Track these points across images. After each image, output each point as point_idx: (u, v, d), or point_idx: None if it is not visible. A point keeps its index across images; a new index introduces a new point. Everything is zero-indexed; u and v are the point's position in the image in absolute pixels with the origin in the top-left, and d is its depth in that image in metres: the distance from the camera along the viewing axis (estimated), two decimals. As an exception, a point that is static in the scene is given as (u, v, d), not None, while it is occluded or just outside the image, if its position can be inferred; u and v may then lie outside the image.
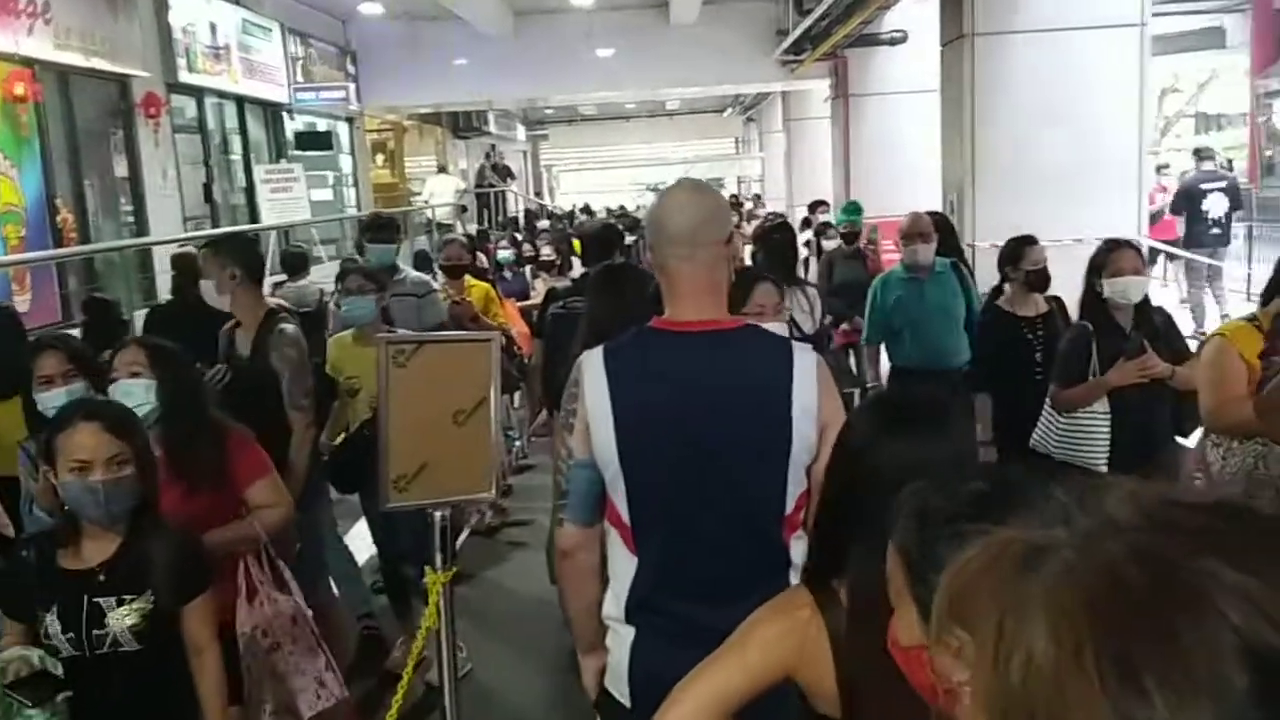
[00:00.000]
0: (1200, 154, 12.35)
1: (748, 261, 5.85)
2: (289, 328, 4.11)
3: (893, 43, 15.01)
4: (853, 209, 8.53)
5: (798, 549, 2.06)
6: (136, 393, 2.92)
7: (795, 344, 2.18)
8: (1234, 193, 11.51)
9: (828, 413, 2.05)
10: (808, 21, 13.91)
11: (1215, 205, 11.37)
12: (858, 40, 14.78)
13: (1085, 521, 0.68)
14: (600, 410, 2.07)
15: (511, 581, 5.55)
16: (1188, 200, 11.43)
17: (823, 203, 11.71)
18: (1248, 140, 25.02)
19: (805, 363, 2.09)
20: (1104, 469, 3.94)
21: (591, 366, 2.12)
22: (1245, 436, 3.23)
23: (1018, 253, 4.75)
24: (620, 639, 2.17)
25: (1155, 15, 10.96)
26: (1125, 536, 0.64)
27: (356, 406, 4.41)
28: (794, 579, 1.98)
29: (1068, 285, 6.68)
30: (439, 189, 18.33)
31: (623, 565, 2.15)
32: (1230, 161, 30.06)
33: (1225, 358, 3.28)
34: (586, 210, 23.20)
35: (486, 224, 19.77)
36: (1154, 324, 4.07)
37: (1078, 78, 9.66)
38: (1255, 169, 23.44)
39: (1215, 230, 11.29)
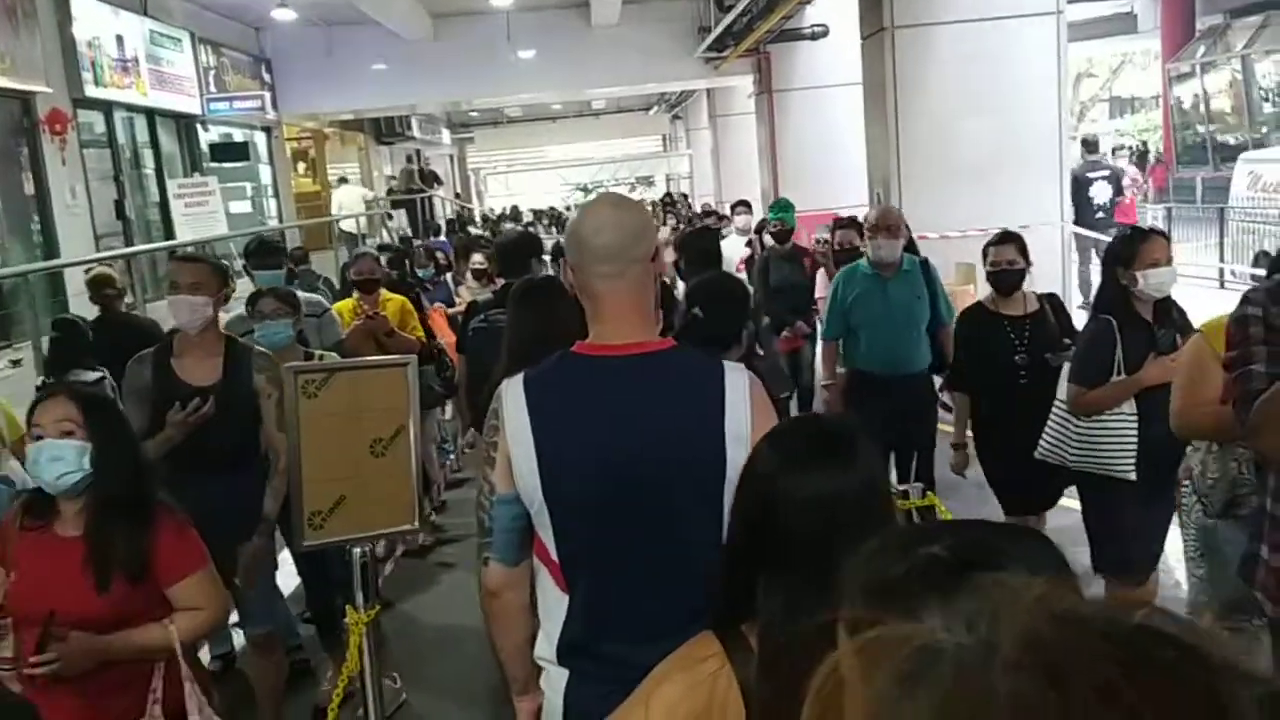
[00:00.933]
0: (1086, 145, 12.75)
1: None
2: (263, 349, 3.86)
3: (814, 37, 15.04)
4: (782, 206, 7.99)
5: None
6: (68, 456, 2.48)
7: (727, 365, 2.05)
8: (1116, 181, 12.23)
9: (761, 435, 1.95)
10: (729, 18, 13.88)
11: (1100, 193, 12.02)
12: (779, 35, 14.80)
13: (972, 634, 0.56)
14: (522, 444, 1.94)
15: (444, 605, 5.35)
16: (1076, 188, 11.94)
17: (744, 203, 10.29)
18: (1162, 123, 25.59)
19: (737, 384, 1.98)
20: (1132, 476, 3.67)
21: (512, 397, 1.98)
22: (1219, 441, 3.03)
23: (985, 250, 4.51)
24: (554, 682, 2.06)
25: (1070, 2, 11.11)
26: (1008, 677, 0.52)
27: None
28: None
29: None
30: (346, 200, 17.98)
31: (553, 604, 2.04)
32: (1145, 143, 30.85)
33: (1202, 357, 3.04)
34: (514, 214, 22.95)
35: (416, 229, 19.48)
36: (1173, 317, 3.76)
37: (998, 67, 9.75)
38: (1170, 151, 23.99)
39: (1100, 215, 11.93)
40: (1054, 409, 3.87)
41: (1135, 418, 3.67)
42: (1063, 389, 3.88)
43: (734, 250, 8.47)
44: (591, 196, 27.35)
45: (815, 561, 1.45)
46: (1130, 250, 3.66)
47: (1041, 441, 3.89)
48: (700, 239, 6.01)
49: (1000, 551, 0.98)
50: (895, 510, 1.60)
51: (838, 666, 0.62)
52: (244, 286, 6.20)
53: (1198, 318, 3.85)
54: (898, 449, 5.04)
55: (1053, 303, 4.47)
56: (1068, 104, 10.83)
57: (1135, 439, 3.65)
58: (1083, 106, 40.86)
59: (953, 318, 5.16)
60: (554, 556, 2.00)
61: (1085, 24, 26.41)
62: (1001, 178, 9.70)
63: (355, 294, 6.02)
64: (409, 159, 22.75)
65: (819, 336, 5.44)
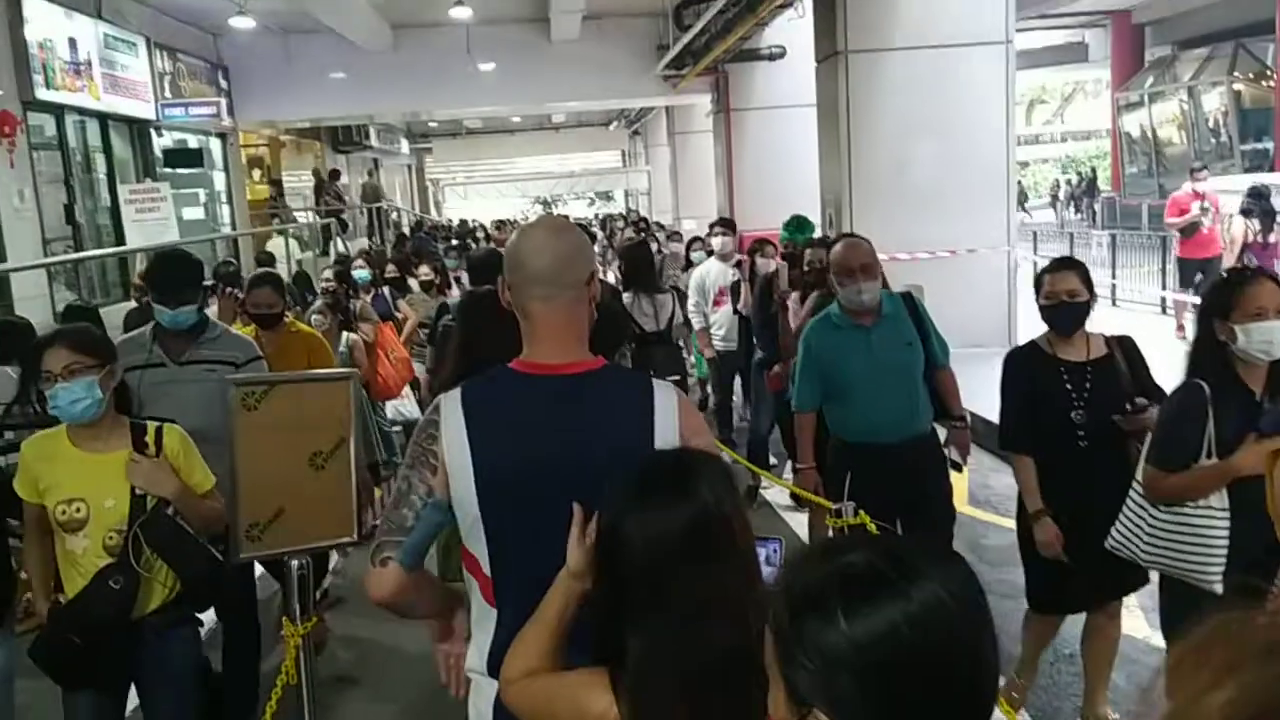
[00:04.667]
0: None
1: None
2: None
3: (771, 58, 15.24)
4: (798, 225, 6.68)
5: None
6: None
7: (657, 383, 2.10)
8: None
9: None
10: (687, 37, 14.02)
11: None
12: (737, 55, 14.98)
13: None
14: (459, 459, 1.98)
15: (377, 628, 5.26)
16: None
17: (725, 222, 8.40)
18: (1110, 150, 26.14)
19: (666, 401, 2.04)
20: (1218, 588, 2.91)
21: (450, 411, 2.01)
22: None
23: (1038, 281, 3.65)
24: (483, 693, 2.06)
25: (1020, 31, 11.35)
26: None
27: (76, 551, 2.89)
28: None
29: (942, 299, 6.89)
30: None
31: (484, 617, 2.06)
32: (1094, 169, 31.42)
33: None
34: (462, 227, 23.04)
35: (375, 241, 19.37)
36: None
37: (948, 93, 9.94)
38: (1118, 178, 24.50)
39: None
40: (1131, 491, 3.14)
41: (1227, 514, 2.90)
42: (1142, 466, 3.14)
43: (713, 277, 7.51)
44: (552, 210, 27.37)
45: (662, 603, 1.52)
46: (1228, 297, 2.93)
47: (1114, 528, 3.18)
48: (638, 250, 6.83)
49: (915, 569, 1.03)
50: (748, 540, 1.62)
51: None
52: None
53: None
54: (911, 528, 4.19)
55: (1124, 347, 3.62)
56: (1015, 130, 11.02)
57: (1225, 541, 2.90)
58: (1037, 136, 41.67)
59: (947, 355, 4.37)
60: (486, 571, 2.02)
61: (1038, 52, 26.99)
62: (951, 201, 9.89)
63: (254, 329, 4.85)
64: (315, 172, 22.00)
65: (794, 406, 4.45)
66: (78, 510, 2.88)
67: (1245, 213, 9.95)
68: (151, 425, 3.01)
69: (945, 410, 4.31)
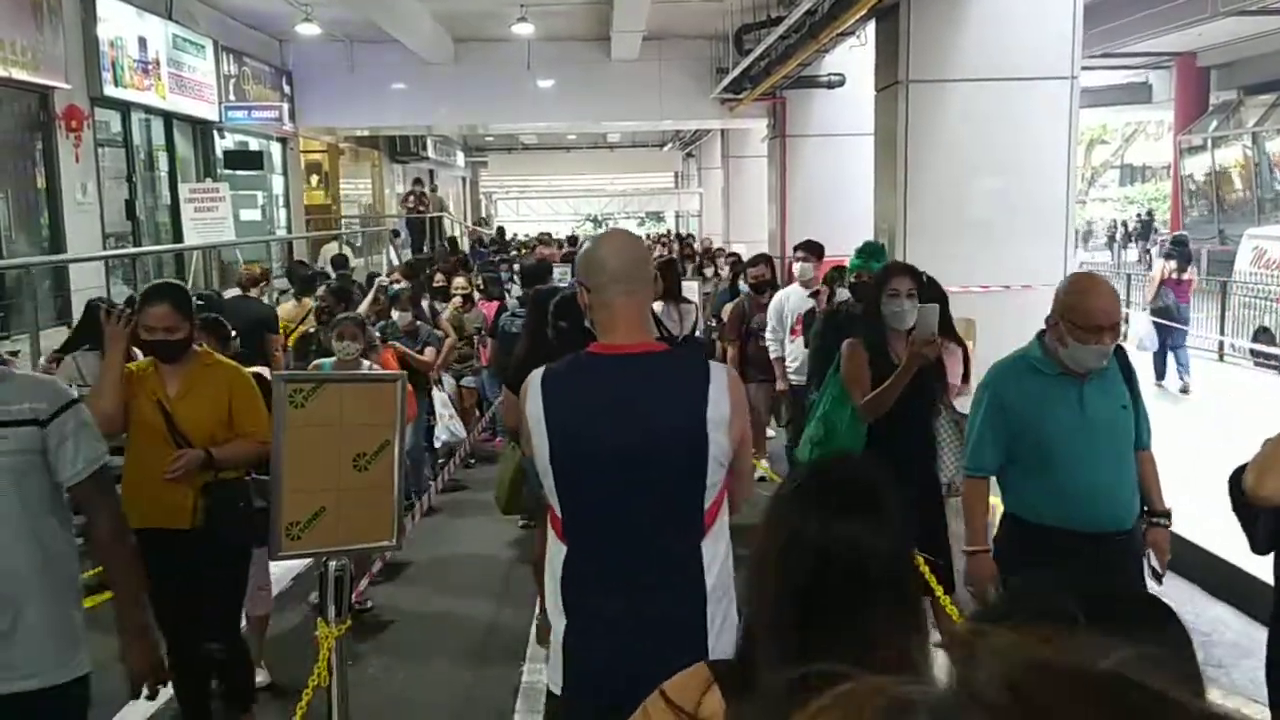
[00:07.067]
0: None
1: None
2: None
3: (830, 85, 15.16)
4: (871, 251, 5.70)
5: (709, 551, 2.31)
6: None
7: (713, 364, 2.44)
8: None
9: (738, 427, 2.33)
10: (746, 61, 14.00)
11: None
12: (796, 82, 14.92)
13: (948, 687, 0.53)
14: (538, 427, 2.34)
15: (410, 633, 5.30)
16: None
17: (810, 245, 7.68)
18: (1171, 193, 25.77)
19: (719, 378, 2.36)
20: None
21: (532, 388, 2.38)
22: None
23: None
24: (556, 629, 2.38)
25: (1084, 69, 11.20)
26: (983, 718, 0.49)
27: None
28: (707, 579, 2.25)
29: (994, 335, 6.79)
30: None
31: (555, 552, 2.38)
32: (1151, 212, 31.01)
33: None
34: (500, 234, 23.68)
35: (424, 250, 19.53)
36: None
37: (1009, 127, 9.81)
38: (1178, 221, 24.14)
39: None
40: None
41: None
42: None
43: (793, 304, 7.02)
44: (601, 228, 27.84)
45: (830, 633, 1.35)
46: None
47: None
48: (669, 266, 7.54)
49: (1116, 620, 0.94)
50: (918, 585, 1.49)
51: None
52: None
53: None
54: None
55: None
56: (1077, 168, 10.89)
57: None
58: (1094, 172, 41.22)
59: (1149, 432, 3.44)
60: (558, 513, 2.37)
61: (1100, 91, 26.71)
62: (1006, 235, 9.75)
63: (146, 359, 3.73)
64: (417, 180, 22.53)
65: (968, 468, 3.49)
66: None
67: (1167, 255, 11.81)
68: None
69: (1150, 503, 3.41)
